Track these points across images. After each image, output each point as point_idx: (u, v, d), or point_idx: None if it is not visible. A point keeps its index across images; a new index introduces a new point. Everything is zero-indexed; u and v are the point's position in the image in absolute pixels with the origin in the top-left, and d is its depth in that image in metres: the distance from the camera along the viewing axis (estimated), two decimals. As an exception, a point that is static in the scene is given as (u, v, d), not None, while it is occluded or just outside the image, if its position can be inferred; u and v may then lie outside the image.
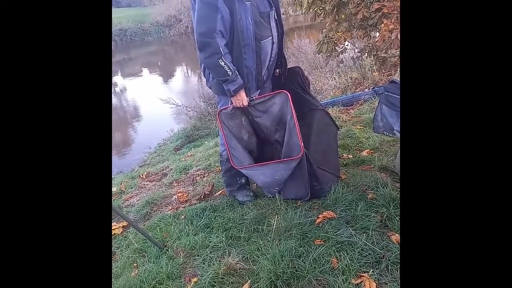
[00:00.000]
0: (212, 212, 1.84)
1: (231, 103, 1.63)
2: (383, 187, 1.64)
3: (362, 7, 3.65)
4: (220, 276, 1.35)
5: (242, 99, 1.57)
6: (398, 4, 3.36)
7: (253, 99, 1.62)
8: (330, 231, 1.44)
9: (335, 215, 1.54)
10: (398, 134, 1.45)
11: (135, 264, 1.61)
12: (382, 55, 4.25)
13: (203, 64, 1.61)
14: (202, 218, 1.80)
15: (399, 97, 1.47)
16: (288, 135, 1.62)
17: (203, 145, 3.76)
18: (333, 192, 1.66)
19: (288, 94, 1.58)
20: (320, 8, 4.24)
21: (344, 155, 2.17)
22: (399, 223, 1.42)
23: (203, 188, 2.22)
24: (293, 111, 1.57)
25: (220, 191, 2.10)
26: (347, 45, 4.37)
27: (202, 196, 2.10)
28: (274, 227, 1.56)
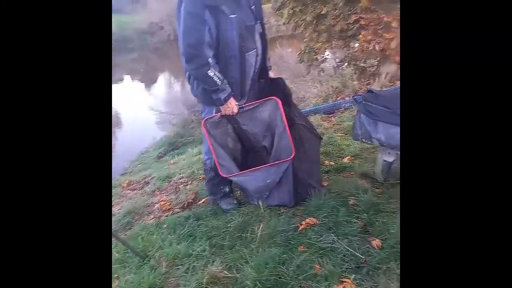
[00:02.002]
0: (196, 220, 1.82)
1: (216, 112, 1.65)
2: (364, 193, 1.69)
3: (341, 19, 3.78)
4: (203, 285, 1.34)
5: (232, 106, 1.60)
6: (375, 16, 3.50)
7: (243, 106, 1.65)
8: (313, 238, 1.46)
9: (317, 222, 1.57)
10: (377, 142, 1.51)
11: (116, 275, 1.57)
12: (361, 64, 4.40)
13: (188, 73, 1.62)
14: (185, 227, 1.78)
15: (377, 106, 1.53)
16: (278, 140, 1.66)
17: (186, 153, 3.73)
18: (315, 200, 1.69)
19: (278, 100, 1.62)
20: (301, 19, 4.36)
21: (326, 162, 2.21)
22: (379, 228, 1.47)
23: (186, 196, 2.20)
24: (284, 116, 1.62)
25: (204, 199, 2.09)
26: (328, 54, 4.49)
27: (185, 205, 2.08)
28: (258, 235, 1.57)
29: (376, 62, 4.30)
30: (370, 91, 1.66)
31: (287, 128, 1.62)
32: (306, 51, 4.33)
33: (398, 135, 1.43)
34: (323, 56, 4.51)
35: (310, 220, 1.58)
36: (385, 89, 3.33)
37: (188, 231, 1.73)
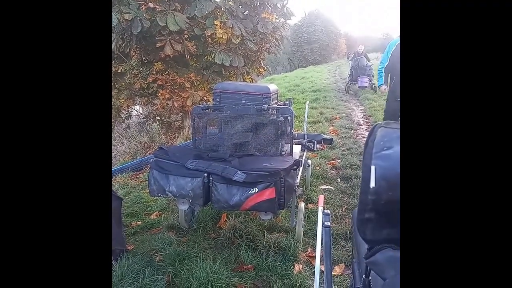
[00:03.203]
0: None
1: None
2: (169, 246, 1.72)
3: (139, 78, 3.95)
4: None
5: None
6: (171, 77, 3.90)
7: None
8: (115, 313, 1.32)
9: (121, 292, 1.44)
10: (170, 194, 1.60)
11: None
12: (167, 119, 4.67)
13: None
14: None
15: (166, 161, 1.65)
16: None
17: None
18: (118, 267, 1.56)
19: None
20: (98, 75, 4.21)
21: (133, 223, 2.11)
22: (184, 276, 1.51)
23: None
24: None
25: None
26: (132, 111, 4.50)
27: None
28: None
29: (180, 117, 4.70)
30: (160, 147, 1.78)
31: None
32: (107, 108, 4.15)
33: (187, 185, 1.59)
34: (126, 113, 4.47)
35: (113, 293, 1.43)
36: (176, 145, 3.65)
37: None
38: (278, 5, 4.16)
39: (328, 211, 0.88)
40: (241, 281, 1.48)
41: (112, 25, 3.18)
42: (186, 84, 3.84)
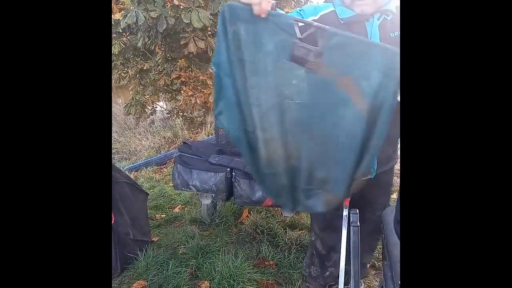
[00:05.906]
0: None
1: None
2: (192, 239, 1.75)
3: (164, 74, 4.03)
4: None
5: None
6: (194, 74, 3.95)
7: None
8: (141, 302, 1.36)
9: (146, 283, 1.48)
10: (194, 188, 1.63)
11: None
12: (190, 115, 4.74)
13: None
14: None
15: (190, 156, 1.68)
16: None
17: None
18: (143, 258, 1.60)
19: None
20: (124, 71, 4.34)
21: (157, 215, 2.17)
22: (207, 269, 1.53)
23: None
24: None
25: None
26: (156, 107, 4.60)
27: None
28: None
29: (202, 113, 4.76)
30: (184, 142, 1.81)
31: None
32: (132, 104, 4.28)
33: (210, 179, 1.60)
34: (151, 108, 4.58)
35: (138, 283, 1.47)
36: (199, 140, 3.70)
37: None
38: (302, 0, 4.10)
39: (357, 210, 0.86)
40: (262, 277, 1.48)
41: (139, 23, 3.25)
42: (208, 81, 3.88)
